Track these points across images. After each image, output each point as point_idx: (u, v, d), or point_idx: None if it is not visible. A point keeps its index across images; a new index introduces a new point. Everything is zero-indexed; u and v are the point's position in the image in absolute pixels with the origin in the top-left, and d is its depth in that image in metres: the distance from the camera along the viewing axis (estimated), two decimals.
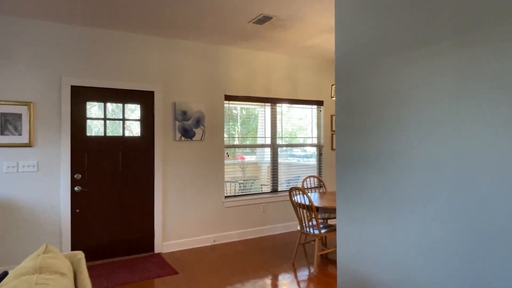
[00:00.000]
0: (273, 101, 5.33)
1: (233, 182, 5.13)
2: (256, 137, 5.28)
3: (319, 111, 5.84)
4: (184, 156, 4.60)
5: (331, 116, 5.88)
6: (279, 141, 5.43)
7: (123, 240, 4.22)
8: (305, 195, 3.87)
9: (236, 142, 5.13)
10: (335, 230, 3.87)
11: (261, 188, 5.33)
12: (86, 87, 4.02)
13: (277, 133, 5.41)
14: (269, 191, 5.37)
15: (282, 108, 5.47)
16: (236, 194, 5.10)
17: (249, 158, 5.34)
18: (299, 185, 5.66)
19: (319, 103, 5.76)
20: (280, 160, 5.46)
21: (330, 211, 3.62)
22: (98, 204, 4.09)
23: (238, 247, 4.62)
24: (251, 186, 5.29)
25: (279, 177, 5.44)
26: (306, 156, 5.85)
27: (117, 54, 4.18)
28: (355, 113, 2.30)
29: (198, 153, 4.70)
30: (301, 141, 5.77)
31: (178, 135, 4.51)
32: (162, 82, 4.46)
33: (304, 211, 4.11)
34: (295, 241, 4.88)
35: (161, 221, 4.42)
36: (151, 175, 4.39)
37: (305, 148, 5.79)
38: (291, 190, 3.89)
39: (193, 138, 4.62)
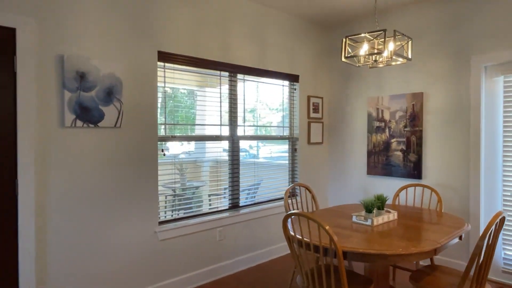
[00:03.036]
0: (233, 69, 3.49)
1: (171, 195, 3.20)
2: (204, 125, 3.40)
3: (292, 90, 4.17)
4: (83, 154, 2.53)
5: (308, 97, 4.27)
6: (240, 131, 3.63)
7: None
8: (320, 227, 2.18)
9: (177, 133, 3.19)
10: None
11: (209, 200, 3.47)
12: None
13: (238, 119, 3.60)
14: (227, 207, 3.54)
15: (245, 82, 3.66)
16: (177, 217, 3.17)
17: (175, 153, 3.44)
18: (272, 196, 3.95)
19: (293, 78, 4.09)
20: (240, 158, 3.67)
21: (369, 259, 1.97)
22: None
23: None
24: (192, 195, 3.41)
25: (240, 184, 3.64)
26: (278, 152, 4.15)
27: None
28: None
29: (111, 149, 2.66)
30: (270, 131, 4.05)
31: (71, 116, 2.43)
32: (36, 13, 2.32)
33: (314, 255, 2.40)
34: (273, 283, 3.16)
35: (33, 270, 2.31)
36: (8, 187, 2.24)
37: (274, 141, 4.08)
38: (288, 217, 2.15)
39: (101, 123, 2.58)
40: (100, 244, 2.60)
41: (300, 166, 4.20)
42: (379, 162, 3.99)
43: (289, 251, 4.04)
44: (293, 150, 4.19)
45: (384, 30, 2.35)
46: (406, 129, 3.77)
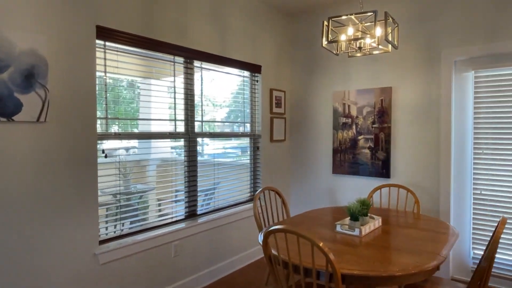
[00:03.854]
0: (189, 54, 2.98)
1: (114, 205, 2.61)
2: (155, 120, 2.86)
3: (254, 82, 3.76)
4: None
5: (271, 91, 3.89)
6: (197, 127, 3.13)
7: None
8: (314, 245, 1.81)
9: (121, 129, 2.60)
10: None
11: (159, 211, 2.94)
12: None
13: (196, 113, 3.10)
14: (183, 216, 3.03)
15: (202, 71, 3.16)
16: (123, 233, 2.58)
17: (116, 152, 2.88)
18: (233, 201, 3.50)
19: (255, 68, 3.68)
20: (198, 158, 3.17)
21: (374, 283, 1.63)
22: None
23: None
24: (139, 203, 2.86)
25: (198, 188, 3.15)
26: (237, 150, 3.71)
27: None
28: None
29: (32, 149, 2.01)
30: (230, 128, 3.60)
31: None
32: None
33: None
34: None
35: None
36: None
37: (234, 139, 3.64)
38: (270, 234, 1.74)
39: (17, 116, 1.92)
40: (19, 274, 1.95)
41: (263, 166, 3.82)
42: (346, 160, 3.77)
43: (252, 260, 3.65)
44: (255, 149, 3.79)
45: (375, 12, 2.05)
46: (374, 125, 3.58)
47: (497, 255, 3.01)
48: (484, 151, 3.06)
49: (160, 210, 2.87)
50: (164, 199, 2.91)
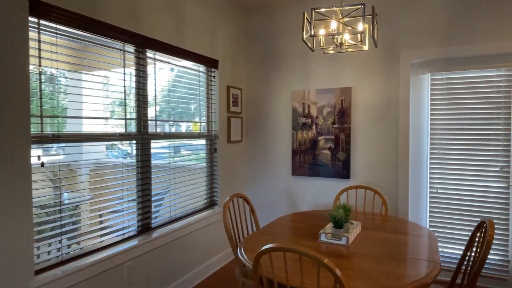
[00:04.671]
0: (142, 42, 2.57)
1: (52, 222, 2.10)
2: (100, 119, 2.39)
3: (210, 78, 3.44)
4: None
5: (228, 88, 3.61)
6: (151, 126, 2.72)
7: None
8: (319, 264, 1.59)
9: (51, 129, 2.11)
10: None
11: (105, 223, 2.48)
12: None
13: (149, 111, 2.69)
14: (135, 231, 2.60)
15: (155, 62, 2.76)
16: (65, 258, 2.08)
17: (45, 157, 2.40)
18: (190, 209, 3.13)
19: (212, 63, 3.37)
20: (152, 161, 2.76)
21: None
22: None
23: None
24: (81, 218, 2.37)
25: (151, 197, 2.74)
26: (192, 152, 3.36)
27: None
28: None
29: None
30: (184, 128, 3.23)
31: None
32: None
33: None
34: None
35: None
36: None
37: (187, 139, 3.28)
38: (263, 254, 1.49)
39: None
40: None
41: (221, 169, 3.52)
42: (306, 161, 3.66)
43: (212, 271, 3.33)
44: (211, 150, 3.48)
45: (363, 4, 1.91)
46: (334, 125, 3.53)
47: (450, 250, 3.15)
48: (440, 151, 3.18)
49: (107, 227, 2.41)
50: (112, 212, 2.46)
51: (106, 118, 2.37)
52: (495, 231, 2.99)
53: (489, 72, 2.98)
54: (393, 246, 1.98)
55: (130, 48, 2.51)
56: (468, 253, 1.99)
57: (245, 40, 3.94)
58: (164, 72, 2.88)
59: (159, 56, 2.78)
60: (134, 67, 2.55)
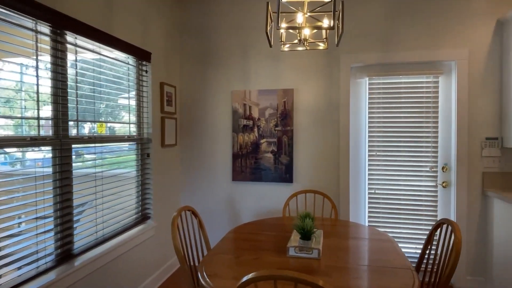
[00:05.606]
0: (60, 21, 2.04)
1: None
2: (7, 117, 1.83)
3: (142, 72, 2.98)
4: None
5: (162, 85, 3.19)
6: (73, 129, 2.19)
7: None
8: None
9: None
10: None
11: (10, 256, 1.90)
12: None
13: (69, 110, 2.15)
14: (54, 262, 2.04)
15: (77, 49, 2.23)
16: None
17: None
18: (121, 226, 2.62)
19: (144, 55, 2.92)
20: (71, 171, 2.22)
21: None
22: None
23: None
24: None
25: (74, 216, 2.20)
26: (119, 157, 2.85)
27: None
28: None
29: None
30: (113, 130, 2.71)
31: None
32: None
33: None
34: None
35: None
36: None
37: (117, 144, 2.77)
38: (250, 283, 1.22)
39: None
40: None
41: (154, 177, 3.08)
42: (247, 166, 3.45)
43: None
44: (143, 156, 3.02)
45: (333, 0, 1.78)
46: (277, 128, 3.39)
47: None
48: (377, 153, 3.29)
49: (7, 256, 1.83)
50: (14, 242, 1.88)
51: (12, 118, 1.80)
52: (424, 226, 3.20)
53: (420, 78, 3.18)
54: (362, 255, 1.89)
55: (45, 28, 1.97)
56: (427, 252, 2.01)
57: (180, 34, 3.55)
58: (87, 62, 2.36)
59: (81, 41, 2.26)
60: (50, 53, 2.01)
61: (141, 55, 2.86)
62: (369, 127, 3.28)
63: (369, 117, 3.28)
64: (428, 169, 3.20)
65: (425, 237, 3.19)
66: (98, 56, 2.44)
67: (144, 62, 2.97)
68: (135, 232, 2.76)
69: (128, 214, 2.80)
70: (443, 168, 3.18)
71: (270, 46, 2.12)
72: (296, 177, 3.38)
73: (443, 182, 3.18)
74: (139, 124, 2.96)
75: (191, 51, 3.56)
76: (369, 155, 3.30)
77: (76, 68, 2.21)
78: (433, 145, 3.18)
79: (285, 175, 3.37)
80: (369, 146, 3.29)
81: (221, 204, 3.54)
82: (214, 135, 3.54)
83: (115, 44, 2.52)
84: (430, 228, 3.19)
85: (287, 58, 3.36)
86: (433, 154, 3.19)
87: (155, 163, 3.09)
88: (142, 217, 2.98)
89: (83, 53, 2.30)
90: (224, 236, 2.25)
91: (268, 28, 1.90)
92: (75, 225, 2.20)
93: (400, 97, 3.22)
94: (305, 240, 1.90)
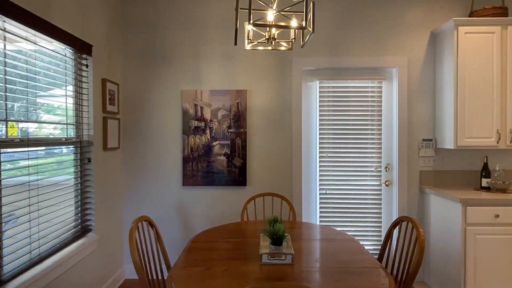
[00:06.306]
0: None
1: None
2: None
3: (81, 67, 2.64)
4: None
5: (104, 82, 2.87)
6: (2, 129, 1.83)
7: None
8: None
9: None
10: None
11: None
12: None
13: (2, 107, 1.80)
14: None
15: (5, 34, 1.87)
16: None
17: None
18: (58, 243, 2.26)
19: (84, 47, 2.59)
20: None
21: None
22: None
23: None
24: None
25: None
26: (54, 162, 2.48)
27: None
28: None
29: None
30: (47, 132, 2.34)
31: None
32: None
33: None
34: None
35: None
36: None
37: (52, 148, 2.40)
38: None
39: None
40: None
41: (96, 185, 2.75)
42: (199, 169, 3.28)
43: None
44: (83, 161, 2.67)
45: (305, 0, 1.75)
46: (230, 130, 3.29)
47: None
48: (327, 154, 3.38)
49: None
50: None
51: None
52: (371, 224, 3.38)
53: (366, 83, 3.35)
54: (333, 257, 1.89)
55: None
56: (387, 248, 2.10)
57: (126, 27, 3.25)
58: (17, 51, 2.00)
59: (10, 24, 1.91)
60: None
61: (80, 47, 2.53)
62: (320, 129, 3.36)
63: (320, 119, 3.36)
64: (373, 169, 3.39)
65: (372, 234, 3.36)
66: (30, 46, 2.08)
67: (84, 55, 2.64)
68: (75, 247, 2.43)
69: (67, 228, 2.45)
70: (386, 167, 3.39)
71: (235, 44, 2.03)
72: (250, 180, 3.31)
73: (386, 181, 3.38)
74: (78, 125, 2.62)
75: (137, 46, 3.28)
76: (320, 156, 3.37)
77: (5, 57, 1.85)
78: (377, 146, 3.38)
79: (239, 178, 3.28)
80: (320, 147, 3.37)
81: (171, 212, 3.31)
82: (163, 137, 3.30)
83: (49, 31, 2.18)
84: (376, 225, 3.37)
85: (241, 59, 3.29)
86: (377, 155, 3.38)
87: (96, 168, 2.77)
88: (83, 230, 2.64)
89: (14, 42, 1.95)
90: (186, 246, 2.08)
91: (237, 25, 1.81)
92: (4, 245, 1.84)
93: (348, 100, 3.35)
94: (277, 246, 1.84)
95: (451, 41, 3.00)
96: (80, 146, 2.63)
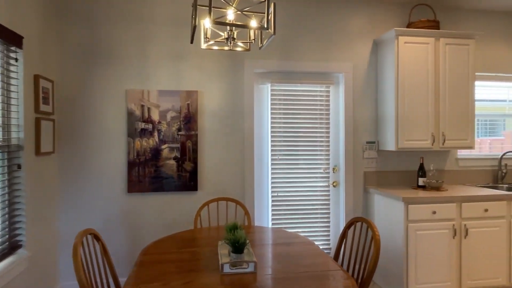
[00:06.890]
0: None
1: None
2: None
3: (9, 60, 2.31)
4: None
5: (37, 78, 2.55)
6: None
7: None
8: None
9: None
10: None
11: None
12: None
13: None
14: None
15: None
16: None
17: None
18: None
19: (13, 39, 2.27)
20: None
21: None
22: None
23: None
24: None
25: None
26: None
27: None
28: None
29: None
30: None
31: None
32: None
33: None
34: None
35: None
36: None
37: None
38: None
39: None
40: None
41: (28, 195, 2.43)
42: (146, 175, 3.08)
43: None
44: (11, 167, 2.34)
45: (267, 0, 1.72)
46: (180, 132, 3.14)
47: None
48: (279, 157, 3.40)
49: None
50: None
51: None
52: (320, 224, 3.47)
53: (315, 87, 3.43)
54: (295, 261, 1.88)
55: None
56: (342, 247, 2.15)
57: (62, 19, 2.93)
58: None
59: None
60: None
61: (8, 38, 2.21)
62: (272, 131, 3.37)
63: (272, 122, 3.36)
64: (322, 170, 3.48)
65: (321, 234, 3.45)
66: None
67: (13, 48, 2.31)
68: (2, 267, 2.11)
69: None
70: (333, 169, 3.51)
71: (192, 42, 1.93)
72: (201, 184, 3.20)
73: (333, 182, 3.50)
74: (6, 126, 2.29)
75: (76, 41, 2.98)
76: (272, 159, 3.38)
77: None
78: (325, 148, 3.48)
79: (190, 182, 3.15)
80: (271, 150, 3.37)
81: (115, 221, 3.06)
82: (105, 140, 3.04)
83: None
84: (325, 225, 3.47)
85: (192, 58, 3.16)
86: (326, 157, 3.48)
87: (28, 176, 2.44)
88: (11, 247, 2.31)
89: None
90: (137, 260, 1.92)
91: (193, 23, 1.71)
92: None
93: (299, 103, 3.41)
94: (238, 254, 1.78)
95: (392, 49, 3.20)
96: (8, 151, 2.30)
